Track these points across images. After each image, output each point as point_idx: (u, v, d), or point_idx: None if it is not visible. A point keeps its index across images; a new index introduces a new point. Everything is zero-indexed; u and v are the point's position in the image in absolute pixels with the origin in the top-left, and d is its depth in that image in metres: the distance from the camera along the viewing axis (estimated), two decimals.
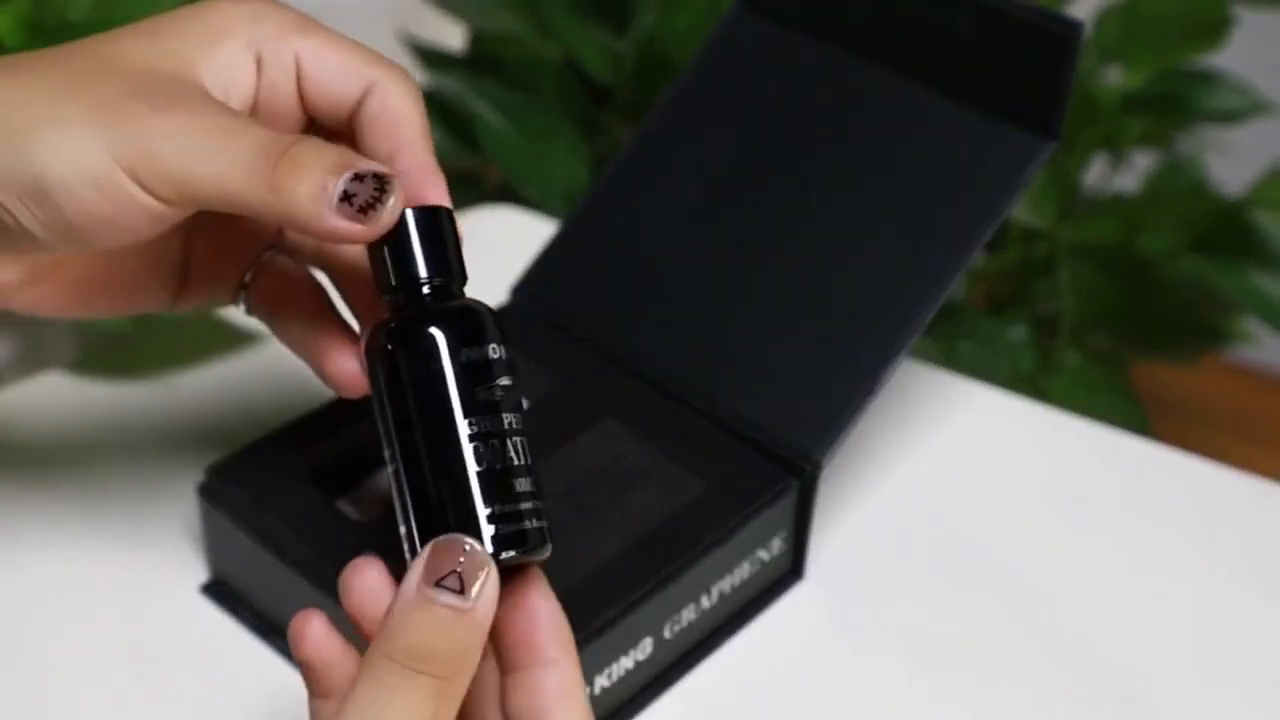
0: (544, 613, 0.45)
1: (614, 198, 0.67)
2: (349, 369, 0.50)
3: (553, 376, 0.63)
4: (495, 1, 1.01)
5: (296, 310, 0.52)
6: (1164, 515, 0.67)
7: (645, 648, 0.57)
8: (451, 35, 1.19)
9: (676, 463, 0.61)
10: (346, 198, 0.44)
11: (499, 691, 0.45)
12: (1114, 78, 1.07)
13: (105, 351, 0.71)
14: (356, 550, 0.56)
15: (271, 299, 0.53)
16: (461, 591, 0.41)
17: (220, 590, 0.61)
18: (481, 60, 1.06)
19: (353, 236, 0.45)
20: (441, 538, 0.43)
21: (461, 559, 0.42)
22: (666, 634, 0.58)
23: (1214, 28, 1.01)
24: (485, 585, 0.42)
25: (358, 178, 0.44)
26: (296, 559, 0.56)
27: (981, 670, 0.60)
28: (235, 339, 0.71)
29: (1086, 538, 0.65)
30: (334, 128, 0.49)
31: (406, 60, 1.14)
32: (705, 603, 0.59)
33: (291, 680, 0.58)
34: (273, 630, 0.59)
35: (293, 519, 0.57)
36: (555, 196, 0.94)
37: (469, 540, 0.42)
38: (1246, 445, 1.39)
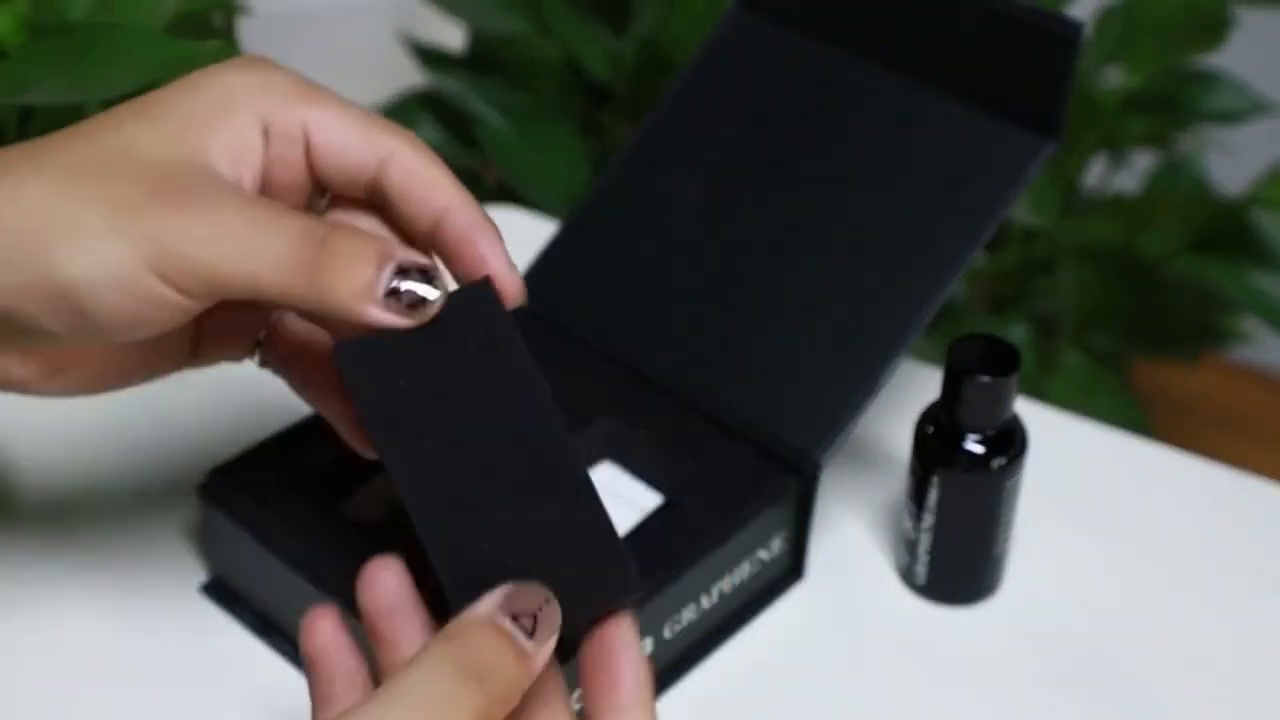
0: (625, 662, 0.45)
1: (613, 198, 0.67)
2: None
3: (552, 377, 0.63)
4: (495, 1, 1.01)
5: (311, 366, 0.52)
6: (1163, 515, 0.67)
7: (645, 647, 0.57)
8: (451, 35, 1.19)
9: (677, 462, 0.61)
10: (393, 293, 0.45)
11: None
12: (1114, 78, 1.07)
13: None
14: (357, 552, 0.56)
15: (286, 355, 0.52)
16: (531, 635, 0.42)
17: (220, 590, 0.61)
18: (481, 60, 1.06)
19: (396, 328, 0.45)
20: (530, 584, 0.43)
21: (540, 608, 0.43)
22: (667, 634, 0.58)
23: (1214, 28, 1.01)
24: (551, 641, 0.43)
25: (402, 270, 0.45)
26: (297, 560, 0.56)
27: (981, 669, 0.60)
28: None
29: (1086, 537, 0.65)
30: (348, 198, 0.49)
31: (406, 61, 1.14)
32: (705, 602, 0.59)
33: (291, 679, 0.58)
34: (272, 630, 0.59)
35: (293, 520, 0.57)
36: (555, 196, 0.94)
37: (549, 594, 0.43)
38: (1246, 445, 1.39)
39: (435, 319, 0.46)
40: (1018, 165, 0.61)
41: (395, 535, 0.58)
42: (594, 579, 0.45)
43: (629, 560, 0.46)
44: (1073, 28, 0.58)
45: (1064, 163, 1.03)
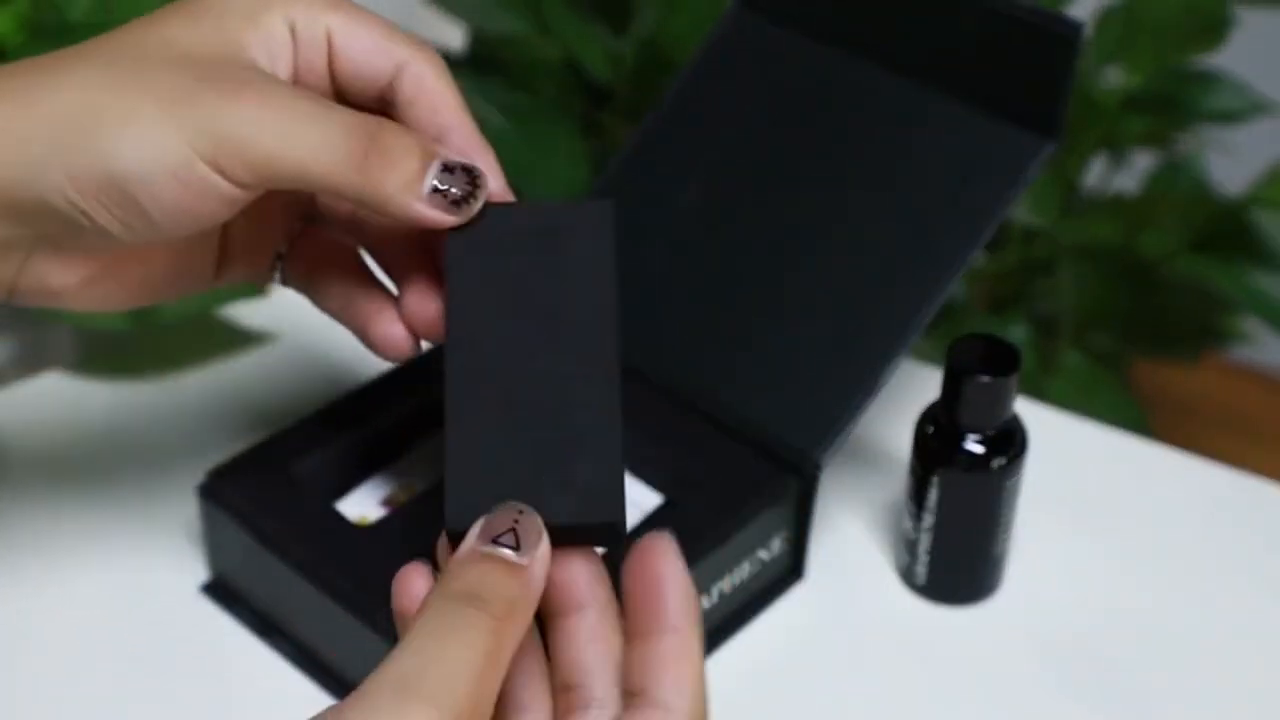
0: (671, 582, 0.44)
1: (614, 197, 0.67)
2: (394, 333, 0.51)
3: None
4: (494, 1, 1.01)
5: (335, 278, 0.52)
6: (1163, 515, 0.67)
7: None
8: (451, 36, 1.19)
9: (677, 462, 0.61)
10: (437, 190, 0.46)
11: (543, 671, 0.45)
12: (1114, 78, 1.07)
13: (105, 352, 0.71)
14: (355, 551, 0.56)
15: (308, 268, 0.53)
16: (517, 548, 0.43)
17: (220, 590, 0.61)
18: (482, 61, 1.06)
19: (439, 225, 0.47)
20: (500, 506, 0.44)
21: (517, 520, 0.43)
22: None
23: (1214, 28, 1.01)
24: (540, 546, 0.43)
25: (447, 169, 0.46)
26: (296, 559, 0.56)
27: (981, 669, 0.60)
28: (236, 339, 0.71)
29: (1086, 538, 0.65)
30: (362, 104, 0.50)
31: None
32: (705, 603, 0.59)
33: (290, 679, 0.58)
34: (272, 630, 0.59)
35: (293, 520, 0.57)
36: (555, 196, 0.94)
37: (523, 505, 0.43)
38: (1246, 445, 1.39)
39: (548, 227, 0.48)
40: (1018, 165, 0.61)
41: (394, 535, 0.58)
42: (587, 505, 0.45)
43: (620, 494, 0.45)
44: (1073, 28, 0.58)
45: (1064, 163, 1.03)
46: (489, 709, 0.41)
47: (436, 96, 0.49)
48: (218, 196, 0.45)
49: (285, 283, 0.53)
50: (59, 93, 0.45)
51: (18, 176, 0.44)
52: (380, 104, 0.49)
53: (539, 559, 0.43)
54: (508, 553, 0.43)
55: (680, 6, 0.99)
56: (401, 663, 0.40)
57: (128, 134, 0.44)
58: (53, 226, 0.46)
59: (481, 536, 0.43)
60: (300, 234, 0.53)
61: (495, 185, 0.49)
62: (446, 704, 0.39)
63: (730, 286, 0.64)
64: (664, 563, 0.44)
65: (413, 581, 0.44)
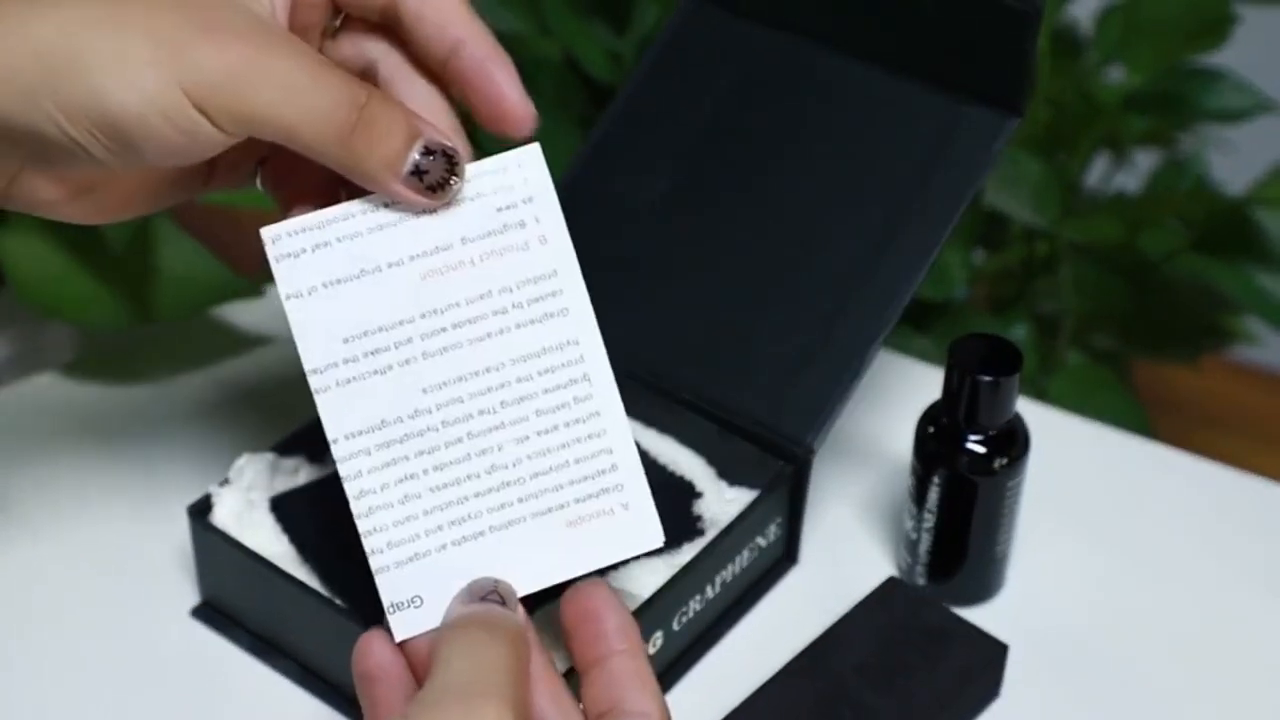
0: (606, 611, 0.47)
1: (580, 192, 0.67)
2: None
3: None
4: (494, 0, 1.01)
5: (307, 187, 0.52)
6: (1166, 515, 0.66)
7: (656, 642, 0.57)
8: None
9: (670, 456, 0.61)
10: (417, 172, 0.46)
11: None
12: (1116, 77, 1.07)
13: (101, 354, 0.70)
14: (353, 565, 0.56)
15: (281, 177, 0.52)
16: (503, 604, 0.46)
17: (211, 612, 0.60)
18: None
19: (413, 205, 0.47)
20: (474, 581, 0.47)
21: (496, 584, 0.47)
22: (675, 626, 0.57)
23: (1216, 26, 1.00)
24: (520, 608, 0.47)
25: (428, 152, 0.46)
26: (293, 576, 0.56)
27: None
28: (231, 342, 0.71)
29: (1087, 539, 0.65)
30: (361, 17, 0.50)
31: None
32: (710, 592, 0.59)
33: (287, 694, 0.58)
34: (268, 648, 0.59)
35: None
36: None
37: (498, 578, 0.47)
38: (1249, 445, 1.38)
39: None
40: (985, 144, 0.61)
41: None
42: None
43: None
44: (1032, 2, 0.58)
45: (1065, 162, 1.03)
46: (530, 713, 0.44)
47: (445, 10, 0.49)
48: (206, 139, 0.45)
49: (264, 185, 0.53)
50: (44, 25, 0.44)
51: (9, 105, 0.45)
52: (384, 17, 0.49)
53: (521, 614, 0.47)
54: (497, 608, 0.46)
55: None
56: (453, 672, 0.43)
57: (123, 75, 0.44)
58: (45, 150, 0.46)
59: (471, 594, 0.46)
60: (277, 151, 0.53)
61: (510, 94, 0.50)
62: (510, 698, 0.42)
63: (707, 276, 0.64)
64: (597, 598, 0.46)
65: (373, 645, 0.47)
